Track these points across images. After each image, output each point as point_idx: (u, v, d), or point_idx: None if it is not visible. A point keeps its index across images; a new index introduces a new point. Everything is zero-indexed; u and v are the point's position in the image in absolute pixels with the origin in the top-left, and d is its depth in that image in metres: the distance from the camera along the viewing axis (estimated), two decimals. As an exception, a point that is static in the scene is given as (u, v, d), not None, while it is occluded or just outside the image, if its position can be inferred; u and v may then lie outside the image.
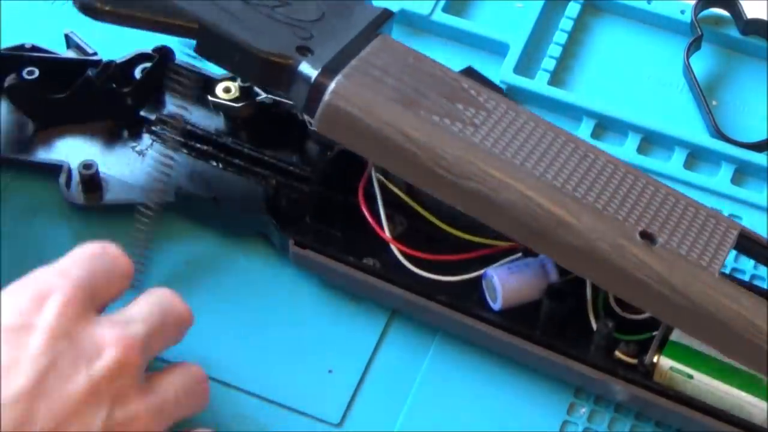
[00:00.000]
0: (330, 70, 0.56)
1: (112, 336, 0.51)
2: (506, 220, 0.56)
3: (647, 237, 0.55)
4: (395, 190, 0.61)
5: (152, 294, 0.54)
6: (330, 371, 0.60)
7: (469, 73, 0.61)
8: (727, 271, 0.64)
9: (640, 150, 0.69)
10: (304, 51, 0.58)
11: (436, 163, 0.55)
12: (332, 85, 0.56)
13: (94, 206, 0.64)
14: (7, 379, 0.49)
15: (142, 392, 0.52)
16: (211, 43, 0.57)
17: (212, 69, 0.65)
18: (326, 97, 0.56)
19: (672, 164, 0.68)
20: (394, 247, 0.61)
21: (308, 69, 0.57)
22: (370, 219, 0.60)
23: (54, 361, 0.50)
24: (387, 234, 0.61)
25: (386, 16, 0.61)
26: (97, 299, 0.53)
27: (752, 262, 0.64)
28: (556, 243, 0.55)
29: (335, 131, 0.57)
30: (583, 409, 0.60)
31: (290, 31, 0.59)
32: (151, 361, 0.53)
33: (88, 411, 0.50)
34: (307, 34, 0.58)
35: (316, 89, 0.56)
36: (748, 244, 0.59)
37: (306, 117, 0.63)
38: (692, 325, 0.55)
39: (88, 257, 0.53)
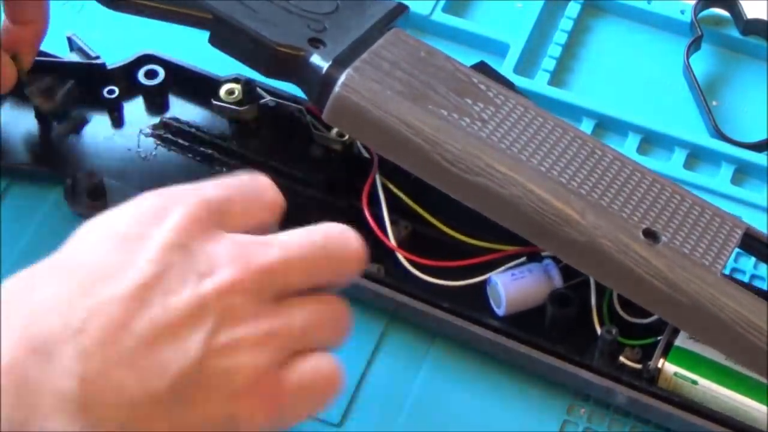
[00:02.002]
0: (341, 63, 0.57)
1: (231, 254, 0.46)
2: (510, 216, 0.56)
3: (650, 235, 0.56)
4: (399, 194, 0.61)
5: (321, 226, 0.49)
6: (330, 371, 0.60)
7: (482, 67, 0.60)
8: (728, 271, 0.64)
9: (640, 150, 0.69)
10: (316, 43, 0.58)
11: (442, 156, 0.55)
12: (342, 78, 0.56)
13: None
14: (106, 282, 0.45)
15: (257, 317, 0.46)
16: (224, 34, 0.58)
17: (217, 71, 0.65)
18: (336, 89, 0.56)
19: (672, 164, 0.68)
20: (398, 253, 0.60)
21: (319, 61, 0.57)
22: (373, 225, 0.60)
23: (161, 272, 0.45)
24: (391, 239, 0.61)
25: (400, 10, 0.61)
26: (228, 222, 0.48)
27: (752, 262, 0.64)
28: (560, 239, 0.55)
29: (344, 123, 0.57)
30: (583, 410, 0.60)
31: (303, 23, 0.59)
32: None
33: (188, 327, 0.45)
34: (320, 26, 0.59)
35: (327, 81, 0.56)
36: (753, 243, 0.59)
37: (309, 119, 0.62)
38: (692, 324, 0.55)
39: (231, 182, 0.49)
